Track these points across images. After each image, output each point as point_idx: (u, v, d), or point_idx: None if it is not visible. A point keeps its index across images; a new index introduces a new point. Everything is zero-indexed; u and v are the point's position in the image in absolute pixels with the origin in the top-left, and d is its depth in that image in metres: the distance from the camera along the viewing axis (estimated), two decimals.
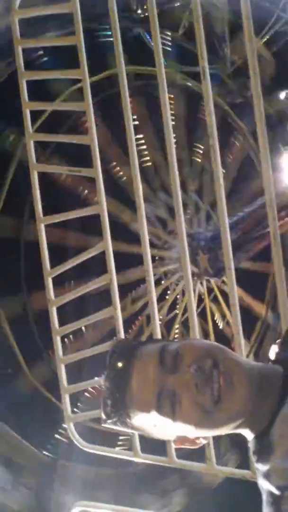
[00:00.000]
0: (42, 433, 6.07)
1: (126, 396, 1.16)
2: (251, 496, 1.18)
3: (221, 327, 7.10)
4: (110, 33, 3.12)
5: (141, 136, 6.54)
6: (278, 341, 1.32)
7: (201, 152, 7.42)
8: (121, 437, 6.24)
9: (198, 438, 1.21)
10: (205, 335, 7.03)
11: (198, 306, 6.84)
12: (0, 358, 6.58)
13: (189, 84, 6.91)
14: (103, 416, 1.20)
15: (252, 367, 1.19)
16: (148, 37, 6.31)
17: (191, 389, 1.12)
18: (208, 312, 6.97)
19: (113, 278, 3.02)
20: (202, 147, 7.37)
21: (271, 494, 1.11)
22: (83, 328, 5.69)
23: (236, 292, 2.72)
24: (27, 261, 6.92)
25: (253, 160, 7.26)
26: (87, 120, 3.04)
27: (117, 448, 4.77)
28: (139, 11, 6.48)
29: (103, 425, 1.23)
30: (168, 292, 7.09)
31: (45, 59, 6.27)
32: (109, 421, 1.20)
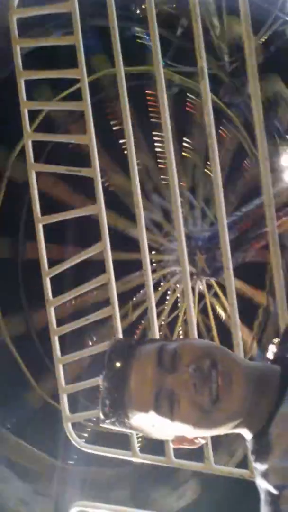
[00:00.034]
0: (55, 442, 6.12)
1: (125, 396, 1.16)
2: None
3: (223, 319, 7.11)
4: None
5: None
6: (276, 340, 1.33)
7: (192, 147, 7.40)
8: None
9: (196, 438, 1.21)
10: (208, 330, 7.07)
11: (199, 303, 6.88)
12: (8, 375, 6.67)
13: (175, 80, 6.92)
14: (102, 416, 1.20)
15: (250, 366, 1.19)
16: (146, 37, 6.32)
17: (190, 389, 1.12)
18: (209, 308, 7.00)
19: (111, 277, 3.01)
20: (191, 142, 7.35)
21: (269, 493, 1.11)
22: None
23: (234, 292, 2.72)
24: (26, 280, 7.00)
25: (246, 151, 7.27)
26: (85, 120, 3.03)
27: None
28: (138, 11, 6.49)
29: (101, 425, 1.23)
30: (168, 292, 7.10)
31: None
32: (107, 421, 1.20)
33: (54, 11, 3.20)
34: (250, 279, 7.20)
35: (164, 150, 2.87)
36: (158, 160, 7.16)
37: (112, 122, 6.69)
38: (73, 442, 3.18)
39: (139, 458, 3.01)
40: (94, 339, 6.63)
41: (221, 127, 7.33)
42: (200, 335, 7.16)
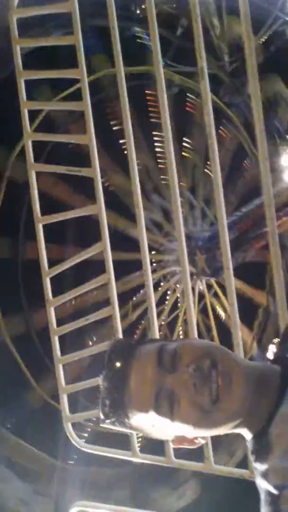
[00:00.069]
0: (55, 442, 6.14)
1: (125, 396, 1.16)
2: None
3: (223, 319, 7.12)
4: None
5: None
6: (276, 340, 1.33)
7: (191, 147, 7.39)
8: None
9: (196, 437, 1.21)
10: (208, 330, 7.08)
11: (199, 303, 6.88)
12: (8, 375, 6.70)
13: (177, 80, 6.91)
14: (102, 416, 1.20)
15: (250, 366, 1.19)
16: (146, 37, 6.32)
17: (190, 389, 1.12)
18: (209, 308, 7.00)
19: (111, 277, 3.01)
20: (191, 142, 7.34)
21: (269, 493, 1.11)
22: None
23: (234, 292, 2.72)
24: (26, 280, 7.01)
25: (246, 151, 7.26)
26: (86, 120, 3.03)
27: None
28: (138, 11, 6.49)
29: (101, 425, 1.23)
30: (168, 292, 7.10)
31: None
32: (107, 421, 1.20)
33: (54, 11, 3.20)
34: (250, 279, 7.21)
35: (164, 150, 2.87)
36: (158, 160, 7.15)
37: (112, 122, 6.70)
38: (73, 442, 3.18)
39: (139, 458, 3.01)
40: (94, 339, 6.64)
41: (221, 127, 7.33)
42: (200, 335, 7.18)
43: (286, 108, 6.95)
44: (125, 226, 6.52)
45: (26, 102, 3.15)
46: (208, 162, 7.37)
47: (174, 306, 7.16)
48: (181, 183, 6.91)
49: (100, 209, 3.02)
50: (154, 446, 2.73)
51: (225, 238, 2.69)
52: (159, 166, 7.17)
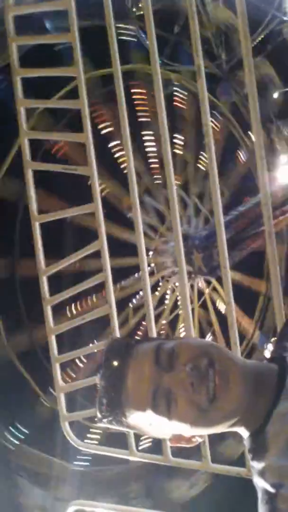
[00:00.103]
0: (67, 447, 6.22)
1: (122, 395, 1.16)
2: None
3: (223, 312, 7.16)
4: None
5: (118, 142, 6.49)
6: (273, 339, 1.33)
7: (182, 144, 7.36)
8: None
9: (193, 436, 1.21)
10: (210, 324, 7.10)
11: (199, 300, 6.90)
12: (16, 390, 6.78)
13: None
14: (99, 415, 1.20)
15: (247, 365, 1.19)
16: (143, 36, 6.30)
17: (187, 387, 1.12)
18: (209, 304, 7.02)
19: (108, 276, 3.01)
20: (182, 138, 7.33)
21: (266, 492, 1.11)
22: None
23: (231, 291, 2.72)
24: (25, 296, 7.03)
25: (237, 139, 7.26)
26: (82, 118, 3.02)
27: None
28: (134, 9, 6.48)
29: (98, 424, 1.23)
30: (168, 292, 7.12)
31: None
32: (104, 420, 1.20)
33: (50, 9, 3.19)
34: (249, 268, 7.23)
35: (156, 150, 2.86)
36: (149, 160, 7.13)
37: (100, 126, 6.64)
38: (71, 441, 3.18)
39: (137, 457, 3.01)
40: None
41: (212, 120, 7.34)
42: (201, 331, 7.21)
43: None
44: (118, 232, 6.52)
45: (23, 100, 3.14)
46: (199, 157, 7.36)
47: (175, 305, 7.18)
48: (176, 181, 6.90)
49: (97, 208, 3.01)
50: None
51: (222, 237, 2.69)
52: (150, 166, 7.15)
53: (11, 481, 6.55)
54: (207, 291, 7.00)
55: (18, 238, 7.02)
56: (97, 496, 5.96)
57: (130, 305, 7.06)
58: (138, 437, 3.01)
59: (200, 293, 7.01)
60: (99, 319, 3.12)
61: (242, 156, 7.71)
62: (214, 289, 7.07)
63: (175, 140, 7.29)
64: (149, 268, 5.72)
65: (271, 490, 1.10)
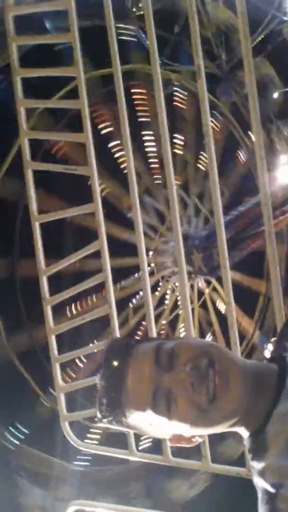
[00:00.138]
0: (67, 447, 6.24)
1: (122, 395, 1.15)
2: None
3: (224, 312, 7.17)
4: None
5: (118, 142, 6.49)
6: (273, 339, 1.33)
7: (182, 144, 7.36)
8: None
9: (193, 436, 1.21)
10: (210, 324, 7.11)
11: (199, 300, 6.90)
12: (16, 391, 6.79)
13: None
14: (99, 415, 1.20)
15: (247, 365, 1.19)
16: (144, 36, 6.30)
17: (187, 387, 1.12)
18: (209, 303, 7.03)
19: (108, 276, 3.01)
20: (182, 138, 7.32)
21: (266, 492, 1.11)
22: None
23: (231, 292, 2.72)
24: (25, 296, 7.04)
25: (236, 138, 7.26)
26: (82, 118, 3.02)
27: None
28: (134, 9, 6.48)
29: (98, 424, 1.23)
30: (168, 292, 7.12)
31: None
32: (104, 420, 1.20)
33: (50, 9, 3.19)
34: (249, 268, 7.23)
35: (156, 150, 2.87)
36: (148, 160, 7.13)
37: (99, 126, 6.64)
38: (71, 441, 3.18)
39: (137, 457, 3.01)
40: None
41: (212, 120, 7.35)
42: (201, 331, 7.21)
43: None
44: (118, 232, 6.53)
45: (23, 100, 3.14)
46: (199, 157, 7.35)
47: (176, 306, 7.19)
48: (175, 181, 6.90)
49: (97, 207, 3.01)
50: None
51: (222, 237, 2.70)
52: (150, 166, 7.15)
53: (11, 481, 6.56)
54: (207, 291, 7.01)
55: (18, 238, 7.04)
56: (97, 496, 5.99)
57: (130, 305, 7.08)
58: (138, 437, 3.01)
59: (200, 293, 7.02)
60: (99, 319, 3.12)
61: (242, 156, 7.72)
62: (214, 289, 7.08)
63: (175, 140, 7.31)
64: (149, 268, 5.73)
65: (271, 490, 1.10)
